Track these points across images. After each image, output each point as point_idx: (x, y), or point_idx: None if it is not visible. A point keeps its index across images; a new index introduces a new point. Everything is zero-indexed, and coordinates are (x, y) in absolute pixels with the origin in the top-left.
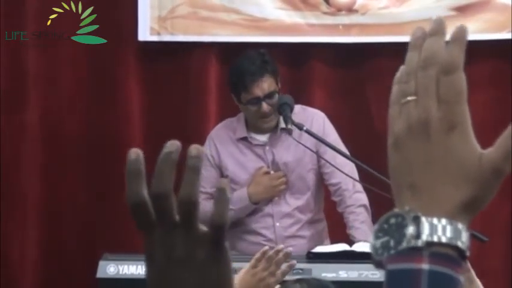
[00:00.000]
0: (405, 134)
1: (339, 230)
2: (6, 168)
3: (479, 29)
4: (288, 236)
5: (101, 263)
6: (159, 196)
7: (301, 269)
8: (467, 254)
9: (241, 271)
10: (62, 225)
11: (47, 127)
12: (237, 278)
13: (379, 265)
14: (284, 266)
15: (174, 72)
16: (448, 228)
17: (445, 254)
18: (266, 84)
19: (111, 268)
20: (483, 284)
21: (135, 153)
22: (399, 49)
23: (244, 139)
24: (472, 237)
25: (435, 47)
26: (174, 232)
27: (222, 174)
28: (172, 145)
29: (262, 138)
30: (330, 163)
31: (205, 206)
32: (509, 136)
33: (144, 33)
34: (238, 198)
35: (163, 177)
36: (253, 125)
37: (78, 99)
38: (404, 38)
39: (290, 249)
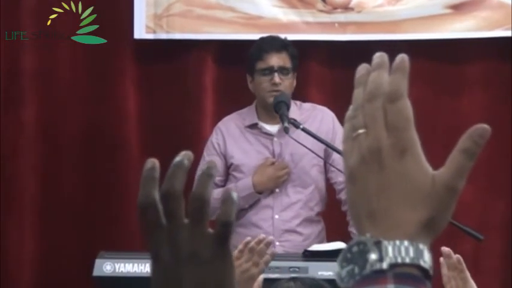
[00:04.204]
0: (359, 165)
1: (337, 232)
2: (4, 166)
3: (475, 27)
4: (287, 229)
5: (97, 261)
6: (168, 194)
7: (298, 267)
8: (431, 273)
9: None
10: (59, 223)
11: (45, 125)
12: None
13: None
14: (266, 256)
15: (170, 70)
16: (411, 248)
17: (408, 273)
18: (282, 60)
19: (108, 266)
20: (481, 283)
21: (152, 162)
22: (395, 47)
23: (253, 126)
24: (468, 235)
25: (379, 79)
26: (181, 231)
27: (226, 162)
28: (186, 154)
29: (272, 129)
30: (334, 166)
31: None
32: (459, 154)
33: (140, 32)
34: (243, 186)
35: (174, 179)
36: (263, 100)
37: (74, 97)
38: (400, 36)
39: (271, 237)
